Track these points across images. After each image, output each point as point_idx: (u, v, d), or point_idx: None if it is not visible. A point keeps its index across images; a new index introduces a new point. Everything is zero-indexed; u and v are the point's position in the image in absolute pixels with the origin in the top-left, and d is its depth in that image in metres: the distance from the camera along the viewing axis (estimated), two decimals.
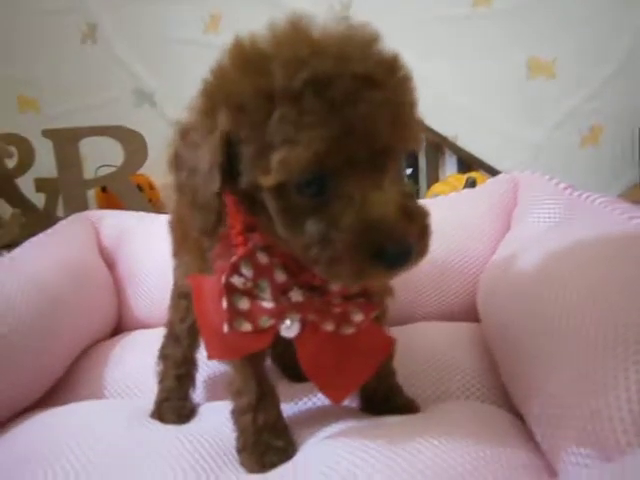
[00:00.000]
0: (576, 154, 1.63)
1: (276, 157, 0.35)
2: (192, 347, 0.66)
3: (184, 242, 0.59)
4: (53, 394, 0.74)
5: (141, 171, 1.45)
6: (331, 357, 0.49)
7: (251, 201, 0.41)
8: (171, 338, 0.66)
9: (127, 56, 1.69)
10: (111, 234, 1.04)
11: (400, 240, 0.36)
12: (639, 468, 0.35)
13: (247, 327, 0.46)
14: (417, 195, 0.45)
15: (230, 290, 0.45)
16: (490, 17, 1.58)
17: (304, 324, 0.47)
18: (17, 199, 1.49)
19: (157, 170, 1.53)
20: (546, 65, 1.58)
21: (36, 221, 1.37)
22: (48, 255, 0.87)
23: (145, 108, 1.71)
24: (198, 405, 0.65)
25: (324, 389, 0.51)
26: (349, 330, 0.47)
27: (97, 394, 0.74)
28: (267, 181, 0.37)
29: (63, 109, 1.68)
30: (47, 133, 1.29)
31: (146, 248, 1.01)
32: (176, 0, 1.65)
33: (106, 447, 0.53)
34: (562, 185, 0.86)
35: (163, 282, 0.98)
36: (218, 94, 0.39)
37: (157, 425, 0.59)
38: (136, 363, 0.78)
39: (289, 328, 0.46)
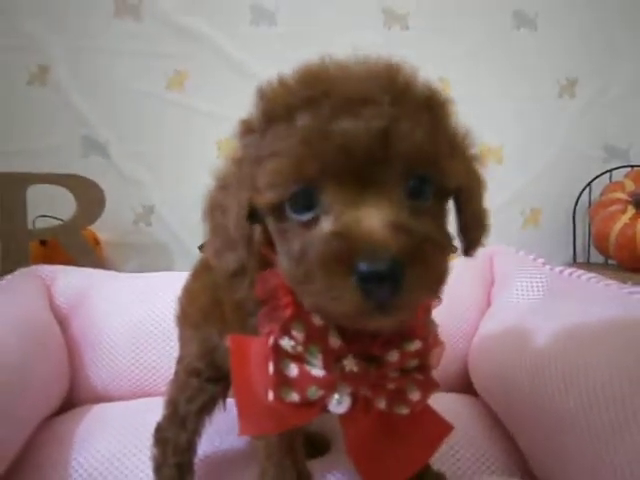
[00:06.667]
0: (519, 233, 1.77)
1: (264, 168, 0.35)
2: (197, 432, 0.58)
3: (214, 310, 0.53)
4: None
5: None
6: (381, 441, 0.45)
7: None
8: (174, 420, 0.58)
9: (79, 103, 1.58)
10: (65, 293, 0.92)
11: (373, 254, 0.30)
12: None
13: (294, 398, 0.41)
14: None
15: (278, 354, 0.40)
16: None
17: (355, 399, 0.42)
18: None
19: (103, 225, 1.41)
20: (495, 151, 1.75)
21: None
22: None
23: (93, 159, 1.59)
24: None
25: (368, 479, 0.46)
26: (403, 410, 0.42)
27: None
28: (261, 199, 0.36)
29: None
30: None
31: (108, 311, 0.90)
32: (141, 52, 1.60)
33: None
34: (540, 260, 0.92)
35: (129, 350, 0.88)
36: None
37: None
38: (108, 444, 0.66)
39: (339, 402, 0.41)
